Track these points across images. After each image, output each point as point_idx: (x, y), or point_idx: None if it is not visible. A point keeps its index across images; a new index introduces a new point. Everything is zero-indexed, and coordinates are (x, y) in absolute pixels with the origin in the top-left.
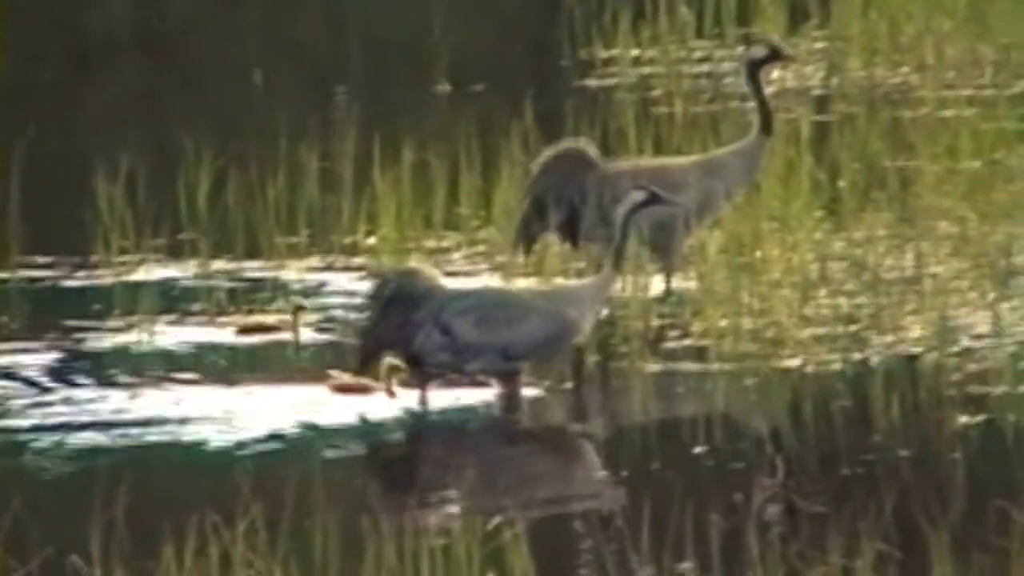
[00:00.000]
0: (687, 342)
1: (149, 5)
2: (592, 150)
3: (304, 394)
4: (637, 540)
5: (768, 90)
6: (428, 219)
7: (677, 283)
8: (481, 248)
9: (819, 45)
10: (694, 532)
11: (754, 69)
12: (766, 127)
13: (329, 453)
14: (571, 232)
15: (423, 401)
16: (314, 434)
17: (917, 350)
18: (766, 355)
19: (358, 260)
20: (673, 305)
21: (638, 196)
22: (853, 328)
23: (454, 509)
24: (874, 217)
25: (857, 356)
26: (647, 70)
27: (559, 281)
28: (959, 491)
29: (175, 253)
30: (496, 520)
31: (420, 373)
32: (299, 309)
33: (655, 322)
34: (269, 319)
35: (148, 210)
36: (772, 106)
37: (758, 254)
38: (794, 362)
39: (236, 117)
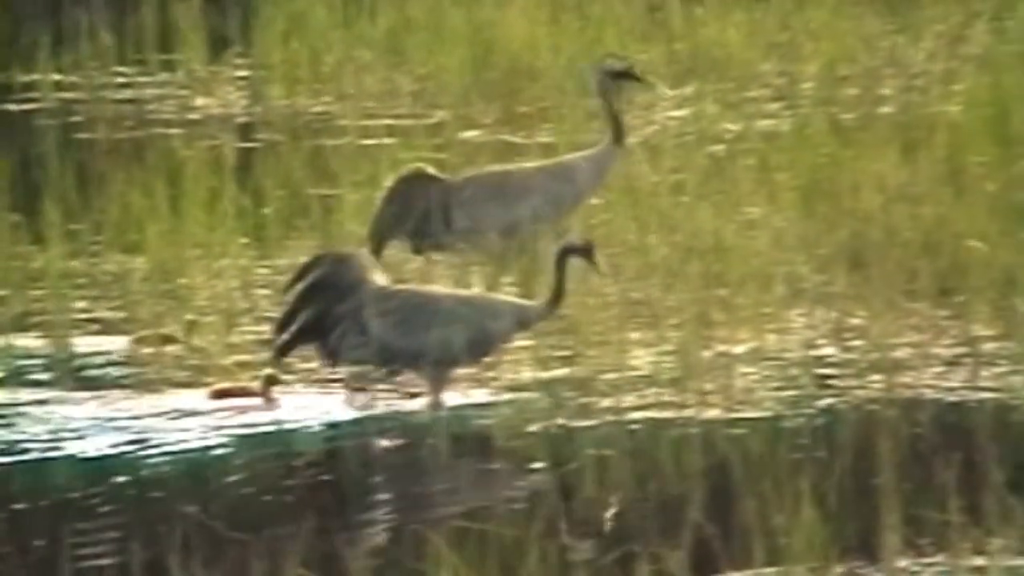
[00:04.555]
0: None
1: None
2: (431, 169)
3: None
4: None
5: (192, 116)
6: None
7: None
8: None
9: (241, 73)
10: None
11: (607, 81)
12: (618, 137)
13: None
14: (419, 242)
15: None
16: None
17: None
18: (190, 382)
19: None
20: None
21: (576, 241)
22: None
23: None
24: (297, 244)
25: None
26: (69, 95)
27: (487, 293)
28: (374, 509)
29: None
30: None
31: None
32: (193, 323)
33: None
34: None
35: None
36: (623, 118)
37: (183, 281)
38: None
39: None
